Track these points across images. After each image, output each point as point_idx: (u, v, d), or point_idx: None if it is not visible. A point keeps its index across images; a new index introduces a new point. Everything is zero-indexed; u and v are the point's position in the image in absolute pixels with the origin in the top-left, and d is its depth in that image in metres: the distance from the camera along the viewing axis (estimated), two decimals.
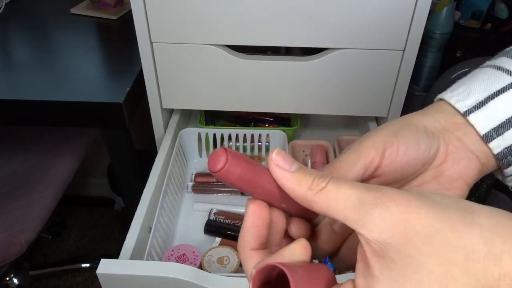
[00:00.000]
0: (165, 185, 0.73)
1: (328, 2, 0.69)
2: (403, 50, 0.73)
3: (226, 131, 0.89)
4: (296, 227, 0.30)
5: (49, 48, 0.98)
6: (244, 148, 0.92)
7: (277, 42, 0.74)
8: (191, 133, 0.89)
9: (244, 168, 0.26)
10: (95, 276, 0.55)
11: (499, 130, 0.30)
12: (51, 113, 0.81)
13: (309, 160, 0.87)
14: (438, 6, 0.88)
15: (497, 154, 0.30)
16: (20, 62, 0.93)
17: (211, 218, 0.78)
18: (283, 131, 0.89)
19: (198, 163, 0.92)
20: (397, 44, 0.73)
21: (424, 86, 0.97)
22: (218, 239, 0.74)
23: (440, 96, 0.33)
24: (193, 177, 0.87)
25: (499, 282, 0.20)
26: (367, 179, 0.30)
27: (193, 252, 0.69)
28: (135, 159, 0.93)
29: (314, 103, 0.81)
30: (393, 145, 0.29)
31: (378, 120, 0.90)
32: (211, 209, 0.79)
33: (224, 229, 0.76)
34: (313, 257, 0.28)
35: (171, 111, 0.92)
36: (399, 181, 0.31)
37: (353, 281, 0.24)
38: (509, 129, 0.30)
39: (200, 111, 0.96)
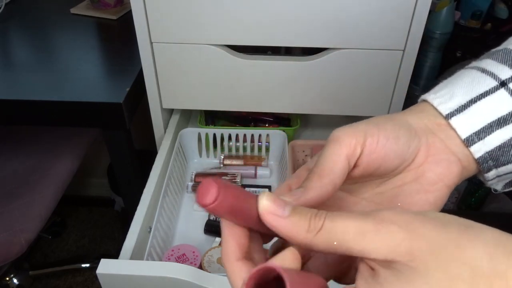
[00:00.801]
0: (165, 185, 0.73)
1: (328, 2, 0.69)
2: (403, 50, 0.73)
3: (226, 131, 0.89)
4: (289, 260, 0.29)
5: (49, 48, 0.98)
6: (244, 148, 0.92)
7: (277, 42, 0.74)
8: (191, 133, 0.89)
9: (235, 201, 0.25)
10: (95, 276, 0.55)
11: (480, 134, 0.29)
12: (51, 113, 0.81)
13: (309, 160, 0.87)
14: (438, 6, 0.88)
15: (478, 158, 0.30)
16: (20, 62, 0.93)
17: (211, 218, 0.78)
18: (283, 131, 0.89)
19: (198, 163, 0.92)
20: (397, 44, 0.73)
21: (424, 86, 0.97)
22: (218, 239, 0.74)
23: (423, 97, 0.32)
24: (193, 177, 0.87)
25: None
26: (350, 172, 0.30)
27: (193, 252, 0.69)
28: (135, 159, 0.93)
29: (314, 103, 0.81)
30: (373, 135, 0.29)
31: None
32: None
33: None
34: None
35: (171, 111, 0.92)
36: (376, 174, 0.31)
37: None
38: (491, 133, 0.29)
39: (200, 111, 0.96)
